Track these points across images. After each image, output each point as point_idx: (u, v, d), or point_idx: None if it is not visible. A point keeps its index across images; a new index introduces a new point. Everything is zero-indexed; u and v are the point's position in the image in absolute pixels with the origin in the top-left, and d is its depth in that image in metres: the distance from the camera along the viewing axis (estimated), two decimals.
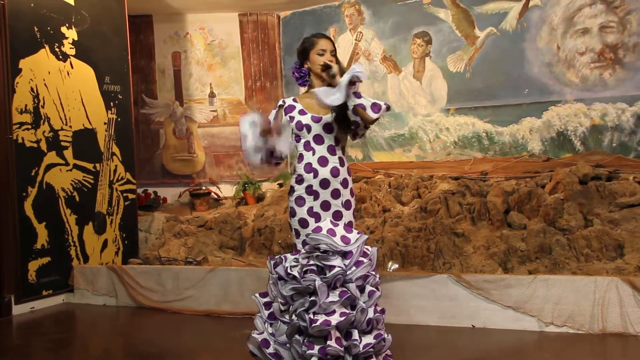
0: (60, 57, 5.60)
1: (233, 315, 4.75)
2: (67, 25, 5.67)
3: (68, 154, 5.61)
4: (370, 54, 7.65)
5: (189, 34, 8.23)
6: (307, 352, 2.69)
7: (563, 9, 6.54)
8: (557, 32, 6.59)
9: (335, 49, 2.97)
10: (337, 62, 2.93)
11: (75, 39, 5.75)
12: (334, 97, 2.70)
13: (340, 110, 2.80)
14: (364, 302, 2.76)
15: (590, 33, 6.41)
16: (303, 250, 2.81)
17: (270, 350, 2.86)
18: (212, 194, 7.94)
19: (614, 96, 6.27)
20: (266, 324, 2.92)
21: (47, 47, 5.46)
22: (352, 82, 2.68)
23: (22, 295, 5.14)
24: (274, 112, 2.99)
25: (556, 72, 6.59)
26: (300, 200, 2.85)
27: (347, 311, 2.72)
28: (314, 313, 2.70)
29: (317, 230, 2.78)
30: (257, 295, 3.02)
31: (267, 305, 2.95)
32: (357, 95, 2.75)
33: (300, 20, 8.07)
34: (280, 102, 2.99)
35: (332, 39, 3.04)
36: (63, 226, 5.54)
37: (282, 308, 2.83)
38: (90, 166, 5.84)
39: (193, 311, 4.92)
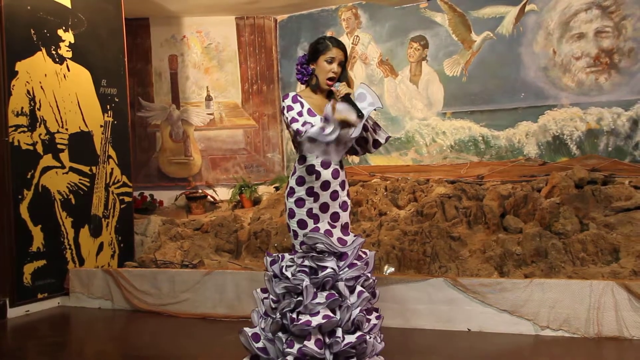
0: (57, 59, 5.59)
1: (229, 318, 4.74)
2: (63, 28, 5.67)
3: (64, 156, 5.60)
4: (367, 58, 7.66)
5: (185, 37, 8.23)
6: (286, 349, 2.74)
7: (559, 14, 6.56)
8: (553, 36, 6.61)
9: (345, 59, 2.93)
10: (344, 71, 2.93)
11: (72, 41, 5.74)
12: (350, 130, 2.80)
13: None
14: (352, 302, 2.78)
15: (586, 38, 6.43)
16: (300, 251, 2.83)
17: (259, 344, 2.92)
18: (209, 197, 7.93)
19: (609, 100, 6.29)
20: (260, 319, 2.97)
21: (43, 50, 5.45)
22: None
23: (17, 298, 5.12)
24: (289, 104, 2.85)
25: (552, 77, 6.61)
26: (300, 202, 2.87)
27: (331, 315, 2.76)
28: (298, 313, 2.73)
29: (315, 230, 2.80)
30: (257, 290, 3.05)
31: (264, 301, 2.99)
32: (365, 127, 2.86)
33: (297, 24, 8.07)
34: (292, 98, 2.87)
35: (346, 48, 2.98)
36: (59, 229, 5.53)
37: (273, 305, 2.89)
38: (86, 169, 5.83)
39: (189, 314, 4.91)
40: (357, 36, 7.72)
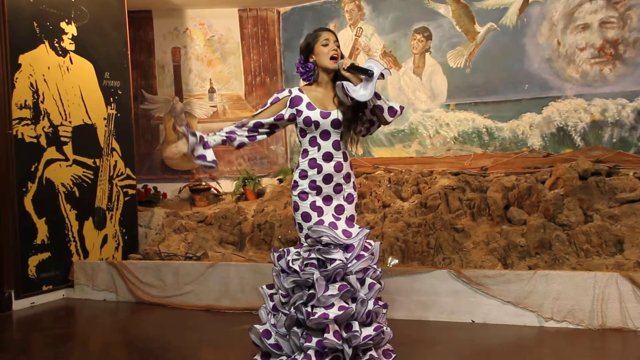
0: (60, 52, 5.59)
1: (233, 310, 4.75)
2: (66, 20, 5.66)
3: (68, 149, 5.60)
4: (370, 50, 7.63)
5: (188, 29, 8.21)
6: (305, 344, 2.73)
7: (563, 5, 6.53)
8: (557, 27, 6.57)
9: (337, 39, 2.98)
10: (340, 53, 2.96)
11: (75, 34, 5.74)
12: (361, 93, 2.77)
13: (357, 109, 2.85)
14: (364, 294, 2.79)
15: (591, 29, 6.40)
16: (305, 244, 2.83)
17: (271, 341, 2.91)
18: (212, 189, 7.93)
19: (614, 92, 6.26)
20: (269, 315, 2.97)
21: (46, 43, 5.45)
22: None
23: (22, 290, 5.14)
24: (276, 95, 2.97)
25: (556, 68, 6.58)
26: (303, 195, 2.88)
27: (346, 305, 2.75)
28: (312, 306, 2.73)
29: (319, 223, 2.80)
30: (263, 287, 3.07)
31: (272, 297, 3.00)
32: (377, 95, 2.84)
33: (300, 16, 8.05)
34: (287, 92, 2.96)
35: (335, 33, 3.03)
36: (63, 221, 5.54)
37: (283, 300, 2.88)
38: (90, 161, 5.84)
39: (193, 306, 4.92)
40: (360, 28, 7.69)
